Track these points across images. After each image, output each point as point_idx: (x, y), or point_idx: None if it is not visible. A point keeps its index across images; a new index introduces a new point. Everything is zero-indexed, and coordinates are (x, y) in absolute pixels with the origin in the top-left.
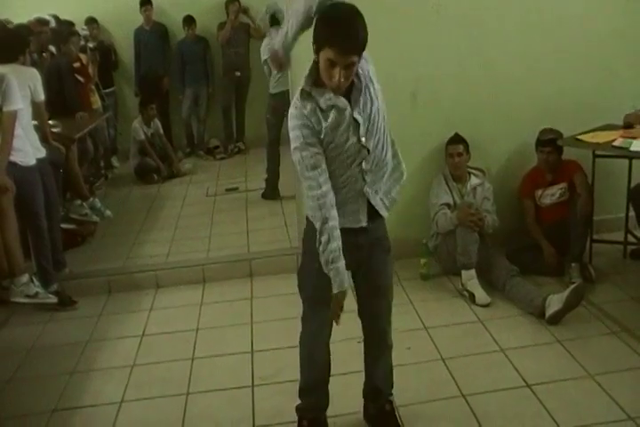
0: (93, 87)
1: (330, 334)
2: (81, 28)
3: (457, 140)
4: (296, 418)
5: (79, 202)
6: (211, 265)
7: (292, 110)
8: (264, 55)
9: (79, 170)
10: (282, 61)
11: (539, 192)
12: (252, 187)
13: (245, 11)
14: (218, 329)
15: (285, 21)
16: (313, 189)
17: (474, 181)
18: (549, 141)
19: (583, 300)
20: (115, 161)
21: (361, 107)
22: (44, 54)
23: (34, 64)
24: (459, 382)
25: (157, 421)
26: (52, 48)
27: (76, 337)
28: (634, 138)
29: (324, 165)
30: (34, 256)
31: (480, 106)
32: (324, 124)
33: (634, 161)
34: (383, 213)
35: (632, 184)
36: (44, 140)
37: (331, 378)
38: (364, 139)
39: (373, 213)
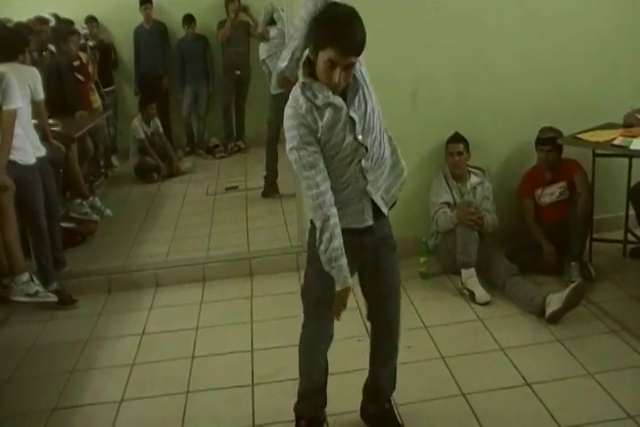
0: (93, 86)
1: (330, 341)
2: (81, 27)
3: (457, 138)
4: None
5: (79, 201)
6: (211, 264)
7: (287, 110)
8: (263, 55)
9: (79, 169)
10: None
11: (538, 191)
12: (251, 186)
13: (245, 9)
14: (218, 328)
15: (288, 38)
16: (311, 188)
17: (474, 179)
18: (549, 140)
19: (583, 299)
20: (114, 160)
21: (356, 105)
22: (43, 53)
23: (34, 63)
24: (459, 381)
25: (157, 419)
26: (52, 47)
27: (76, 336)
28: (634, 137)
29: (321, 164)
30: (34, 255)
31: (480, 105)
32: (320, 123)
33: (634, 160)
34: (383, 209)
35: (632, 183)
36: (44, 138)
37: (330, 376)
38: (360, 137)
39: (378, 212)
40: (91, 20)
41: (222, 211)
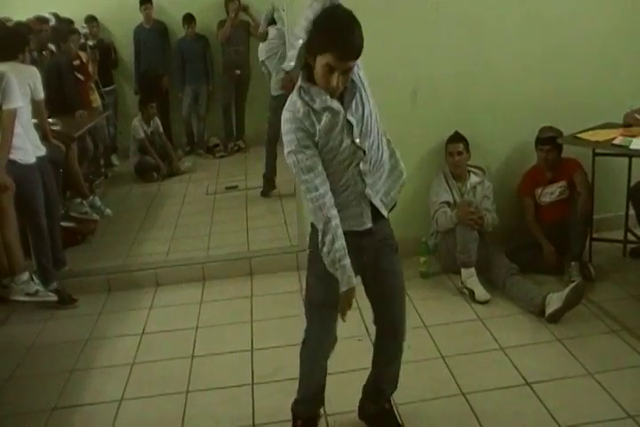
0: (93, 85)
1: (333, 345)
2: (81, 27)
3: (457, 138)
4: None
5: (79, 200)
6: (210, 263)
7: (285, 114)
8: (262, 56)
9: (79, 168)
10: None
11: (538, 190)
12: (251, 185)
13: (245, 9)
14: (218, 327)
15: (294, 38)
16: (311, 191)
17: (474, 179)
18: (549, 139)
19: (583, 298)
20: (114, 159)
21: (353, 109)
22: (43, 52)
23: (33, 62)
24: (458, 381)
25: (157, 419)
26: (52, 46)
27: (76, 335)
28: (634, 136)
29: (320, 167)
30: (34, 254)
31: (480, 105)
32: (317, 127)
33: (634, 159)
34: (383, 212)
35: (632, 182)
36: (44, 138)
37: (330, 376)
38: (358, 140)
39: (377, 215)
40: (91, 19)
41: (222, 210)
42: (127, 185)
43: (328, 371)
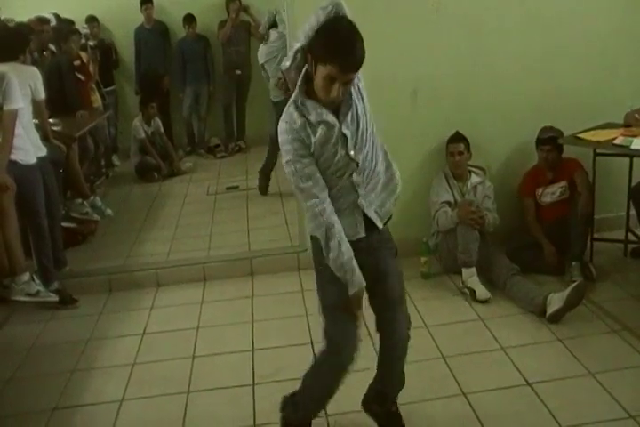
0: (94, 86)
1: (352, 358)
2: (81, 27)
3: (458, 138)
4: None
5: (80, 200)
6: (211, 264)
7: (282, 125)
8: (261, 59)
9: (80, 168)
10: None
11: (539, 190)
12: (252, 185)
13: (246, 9)
14: (218, 328)
15: (295, 41)
16: (310, 198)
17: (474, 179)
18: (549, 140)
19: (584, 298)
20: (115, 159)
21: (349, 121)
22: (44, 53)
23: (34, 63)
24: (459, 381)
25: (158, 419)
26: (53, 47)
27: (77, 336)
28: (634, 136)
29: (318, 175)
30: (35, 255)
31: (480, 105)
32: (313, 139)
33: (634, 159)
34: (378, 224)
35: (633, 183)
36: (45, 138)
37: None
38: (352, 152)
39: (371, 225)
40: (91, 19)
41: (223, 210)
42: (128, 185)
43: None
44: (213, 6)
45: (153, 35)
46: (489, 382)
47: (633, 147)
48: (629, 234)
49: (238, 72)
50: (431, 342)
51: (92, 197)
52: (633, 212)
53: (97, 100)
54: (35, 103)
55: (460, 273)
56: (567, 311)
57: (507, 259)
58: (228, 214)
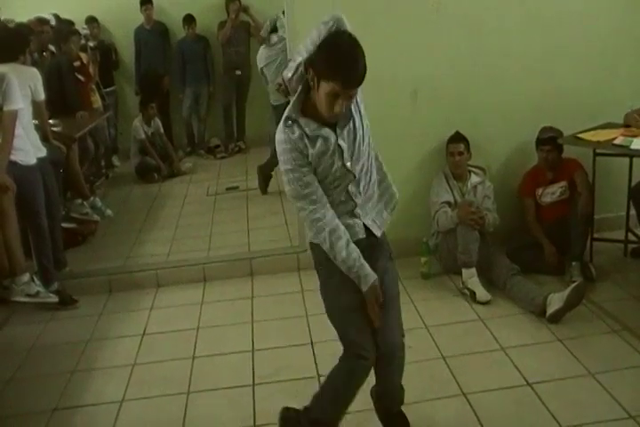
0: (94, 86)
1: (371, 362)
2: (81, 28)
3: (458, 138)
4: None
5: (80, 201)
6: (211, 264)
7: (279, 135)
8: (260, 63)
9: (80, 169)
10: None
11: (539, 191)
12: (252, 186)
13: (246, 9)
14: (218, 328)
15: (296, 53)
16: (311, 203)
17: (474, 179)
18: (549, 140)
19: (584, 298)
20: (115, 160)
21: (345, 133)
22: (44, 53)
23: (34, 63)
24: (459, 381)
25: (158, 420)
26: (53, 47)
27: (77, 336)
28: (634, 136)
29: (316, 182)
30: (35, 255)
31: (480, 105)
32: (310, 151)
33: (634, 159)
34: (376, 232)
35: (632, 183)
36: (45, 139)
37: None
38: (349, 163)
39: (369, 232)
40: (91, 20)
41: (223, 211)
42: (128, 186)
43: (325, 373)
44: (213, 7)
45: (153, 35)
46: (489, 382)
47: (633, 147)
48: (629, 234)
49: (238, 72)
50: (431, 343)
51: (92, 198)
52: (633, 212)
53: (97, 100)
54: (35, 104)
55: (460, 273)
56: (567, 311)
57: (507, 259)
58: (228, 215)
